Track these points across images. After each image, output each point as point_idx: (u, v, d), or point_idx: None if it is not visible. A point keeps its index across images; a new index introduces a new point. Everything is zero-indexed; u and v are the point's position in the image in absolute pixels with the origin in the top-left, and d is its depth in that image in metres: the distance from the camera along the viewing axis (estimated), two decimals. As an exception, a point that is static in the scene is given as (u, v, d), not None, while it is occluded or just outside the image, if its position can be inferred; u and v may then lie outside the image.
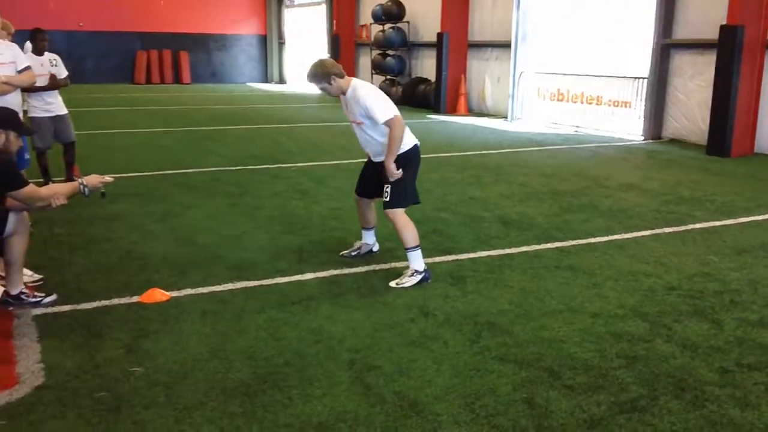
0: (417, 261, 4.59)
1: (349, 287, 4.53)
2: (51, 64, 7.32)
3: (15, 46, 5.84)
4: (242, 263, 5.00)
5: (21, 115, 5.51)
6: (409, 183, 4.69)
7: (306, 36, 26.29)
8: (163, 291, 4.35)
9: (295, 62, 27.18)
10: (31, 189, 3.83)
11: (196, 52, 26.74)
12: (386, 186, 4.59)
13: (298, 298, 4.32)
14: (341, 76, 4.53)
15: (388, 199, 4.60)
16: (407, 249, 4.60)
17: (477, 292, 4.46)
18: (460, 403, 3.05)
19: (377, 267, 4.93)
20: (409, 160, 4.62)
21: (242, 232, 5.84)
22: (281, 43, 28.18)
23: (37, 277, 4.55)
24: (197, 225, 6.07)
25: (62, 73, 7.41)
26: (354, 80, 4.60)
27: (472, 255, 5.27)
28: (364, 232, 5.17)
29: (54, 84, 7.28)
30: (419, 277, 4.58)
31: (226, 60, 27.83)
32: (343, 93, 4.58)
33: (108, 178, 4.18)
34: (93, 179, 4.10)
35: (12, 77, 5.60)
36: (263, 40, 28.40)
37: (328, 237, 5.71)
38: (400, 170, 4.52)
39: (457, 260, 5.14)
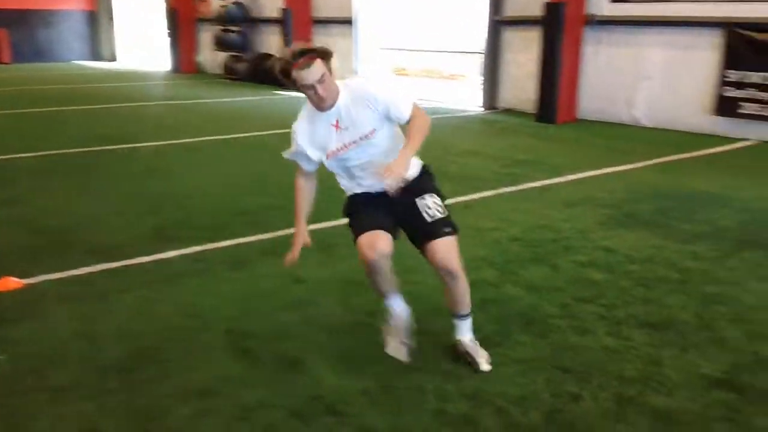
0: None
1: (216, 261, 4.57)
2: None
3: None
4: (100, 246, 4.86)
5: None
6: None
7: (140, 11, 25.02)
8: (15, 279, 4.17)
9: (128, 39, 25.86)
10: None
11: (17, 29, 24.63)
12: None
13: (165, 276, 4.31)
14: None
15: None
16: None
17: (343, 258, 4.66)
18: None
19: (243, 240, 5.00)
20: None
21: (96, 215, 5.65)
22: (111, 19, 26.62)
23: None
24: (47, 210, 5.78)
25: None
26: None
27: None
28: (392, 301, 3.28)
29: None
30: None
31: (52, 37, 25.86)
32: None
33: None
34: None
35: None
36: (92, 16, 26.67)
37: (188, 215, 5.67)
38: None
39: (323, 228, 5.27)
